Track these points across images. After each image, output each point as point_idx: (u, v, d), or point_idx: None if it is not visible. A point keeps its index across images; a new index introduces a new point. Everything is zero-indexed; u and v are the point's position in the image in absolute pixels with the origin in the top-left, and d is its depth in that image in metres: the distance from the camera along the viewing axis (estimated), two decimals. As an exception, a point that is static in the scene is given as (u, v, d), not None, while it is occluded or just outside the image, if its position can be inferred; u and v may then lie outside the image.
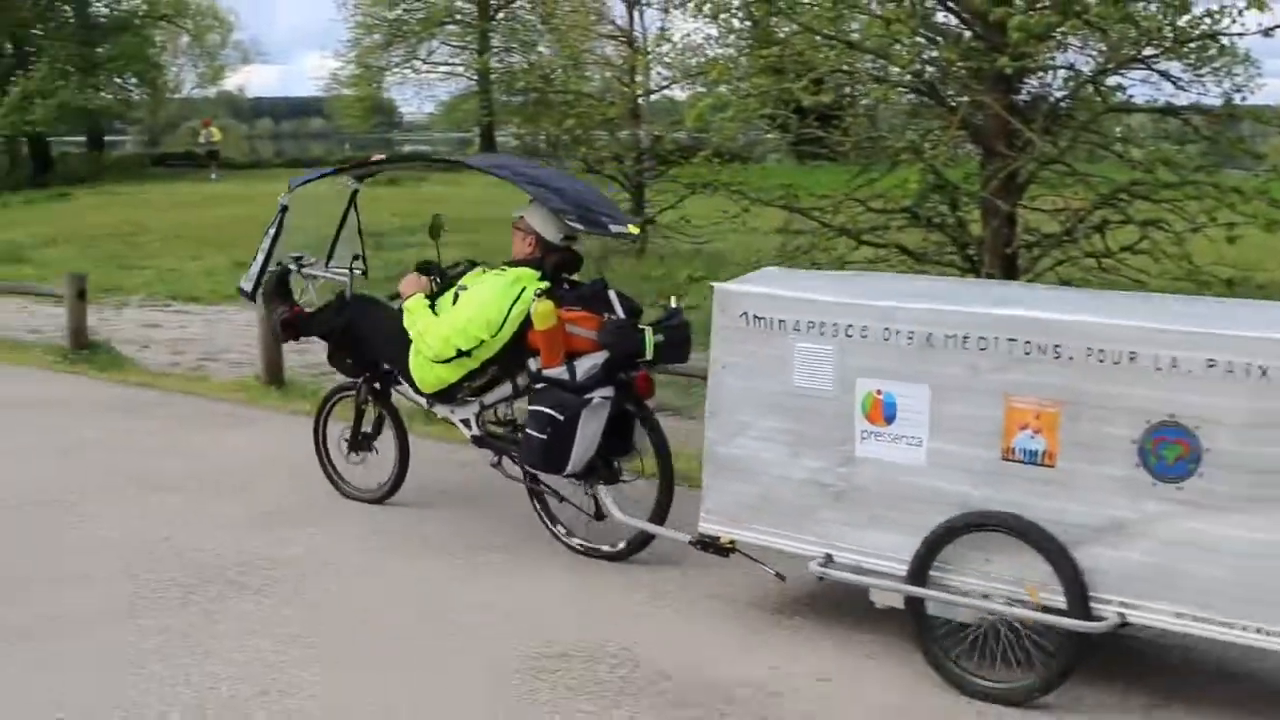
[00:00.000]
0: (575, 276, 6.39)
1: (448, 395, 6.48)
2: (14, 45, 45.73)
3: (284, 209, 7.23)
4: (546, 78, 23.68)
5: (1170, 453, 4.35)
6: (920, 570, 4.80)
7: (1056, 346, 4.53)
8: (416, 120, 69.91)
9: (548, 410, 5.88)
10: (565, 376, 5.94)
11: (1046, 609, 4.54)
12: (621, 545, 6.11)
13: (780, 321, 5.18)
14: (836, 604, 5.40)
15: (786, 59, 9.88)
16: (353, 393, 7.13)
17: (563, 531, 6.29)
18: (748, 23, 12.40)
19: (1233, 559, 4.24)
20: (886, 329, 4.90)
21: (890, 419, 4.92)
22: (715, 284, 5.47)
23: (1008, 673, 4.64)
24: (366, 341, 6.83)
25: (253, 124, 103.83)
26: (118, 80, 47.93)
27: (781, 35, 11.13)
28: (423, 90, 50.46)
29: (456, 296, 6.29)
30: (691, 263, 13.08)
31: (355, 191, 7.26)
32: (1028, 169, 8.98)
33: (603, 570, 5.99)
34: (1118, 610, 4.45)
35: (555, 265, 6.25)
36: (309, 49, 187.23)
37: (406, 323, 6.40)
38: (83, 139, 53.18)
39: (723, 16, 11.57)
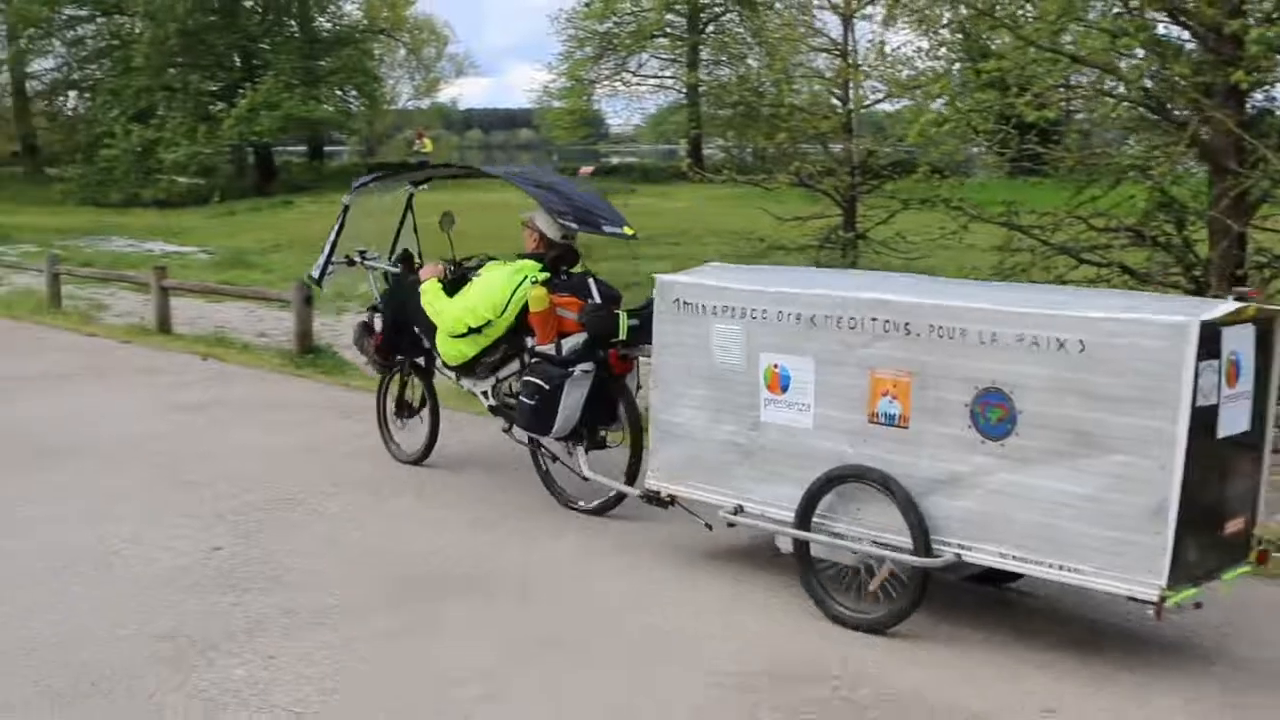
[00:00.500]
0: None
1: (469, 369, 7.63)
2: (242, 59, 47.62)
3: (345, 208, 8.63)
4: (756, 90, 23.68)
5: (994, 414, 5.08)
6: (804, 517, 5.62)
7: (907, 325, 5.30)
8: (623, 132, 70.61)
9: (536, 380, 6.93)
10: (553, 352, 6.98)
11: (898, 549, 5.30)
12: (596, 503, 7.07)
13: (702, 306, 6.07)
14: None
15: (1008, 73, 9.73)
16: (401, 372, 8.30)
17: (559, 490, 7.29)
18: (958, 35, 12.23)
19: (1041, 506, 4.96)
20: (780, 311, 5.74)
21: (785, 388, 5.76)
22: (657, 275, 6.33)
23: (872, 605, 5.43)
24: (410, 321, 7.83)
25: (463, 135, 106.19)
26: (338, 92, 49.49)
27: (993, 47, 10.97)
28: (632, 103, 50.93)
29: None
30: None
31: (411, 195, 8.42)
32: (1260, 187, 8.67)
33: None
34: (955, 551, 5.20)
35: (555, 259, 7.29)
36: (519, 61, 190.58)
37: (424, 303, 7.56)
38: (304, 149, 55.10)
39: (933, 30, 11.48)
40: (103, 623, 5.45)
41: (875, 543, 5.41)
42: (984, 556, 5.16)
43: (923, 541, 5.20)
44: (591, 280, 7.15)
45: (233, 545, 6.49)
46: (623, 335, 6.87)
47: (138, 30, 46.40)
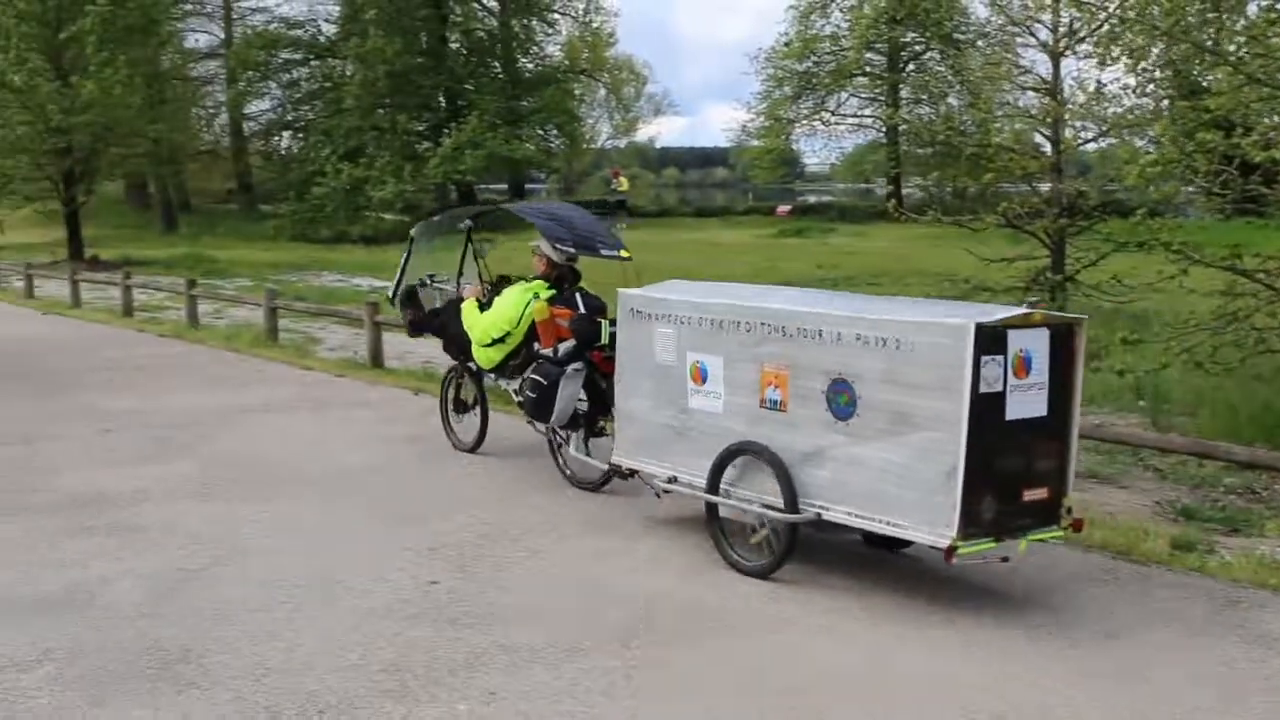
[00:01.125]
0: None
1: (500, 370, 9.24)
2: (448, 100, 48.87)
3: (412, 239, 10.59)
4: (958, 129, 23.41)
5: (841, 399, 6.37)
6: (712, 484, 7.04)
7: (783, 328, 6.68)
8: (818, 170, 70.35)
9: (537, 377, 8.57)
10: (551, 354, 8.61)
11: (774, 509, 6.63)
12: (593, 481, 8.54)
13: (649, 314, 7.57)
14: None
15: (1230, 112, 9.43)
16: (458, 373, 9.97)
17: (567, 471, 8.83)
18: (1168, 72, 11.91)
19: (873, 474, 6.20)
20: (700, 318, 7.22)
21: (705, 380, 7.22)
22: (619, 289, 7.82)
23: (757, 554, 6.79)
24: (455, 335, 9.52)
25: (659, 173, 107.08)
26: (540, 131, 50.36)
27: (1206, 84, 10.64)
28: (831, 142, 50.74)
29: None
30: (1113, 323, 12.63)
31: (470, 228, 9.95)
32: None
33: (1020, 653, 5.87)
34: (817, 510, 6.48)
35: (558, 277, 8.85)
36: (715, 100, 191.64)
37: (463, 318, 9.27)
38: (504, 186, 56.17)
39: (1143, 66, 11.19)
40: (327, 652, 5.60)
41: (760, 504, 6.74)
42: (838, 515, 6.43)
43: (791, 502, 6.53)
44: (579, 295, 8.77)
45: (449, 579, 6.62)
46: (604, 340, 8.44)
47: (349, 73, 47.97)
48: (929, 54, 47.08)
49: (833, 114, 48.58)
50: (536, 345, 8.72)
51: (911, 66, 47.61)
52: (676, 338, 7.35)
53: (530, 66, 51.50)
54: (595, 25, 52.54)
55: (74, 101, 33.95)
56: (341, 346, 16.98)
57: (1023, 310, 6.33)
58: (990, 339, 5.90)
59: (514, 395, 9.17)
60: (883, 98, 47.60)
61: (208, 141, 59.58)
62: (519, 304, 8.78)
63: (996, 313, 6.25)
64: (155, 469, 9.16)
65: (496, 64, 50.65)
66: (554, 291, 8.72)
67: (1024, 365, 6.07)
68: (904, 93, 47.21)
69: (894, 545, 6.90)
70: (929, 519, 5.96)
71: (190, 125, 52.90)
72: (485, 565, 6.86)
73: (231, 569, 6.80)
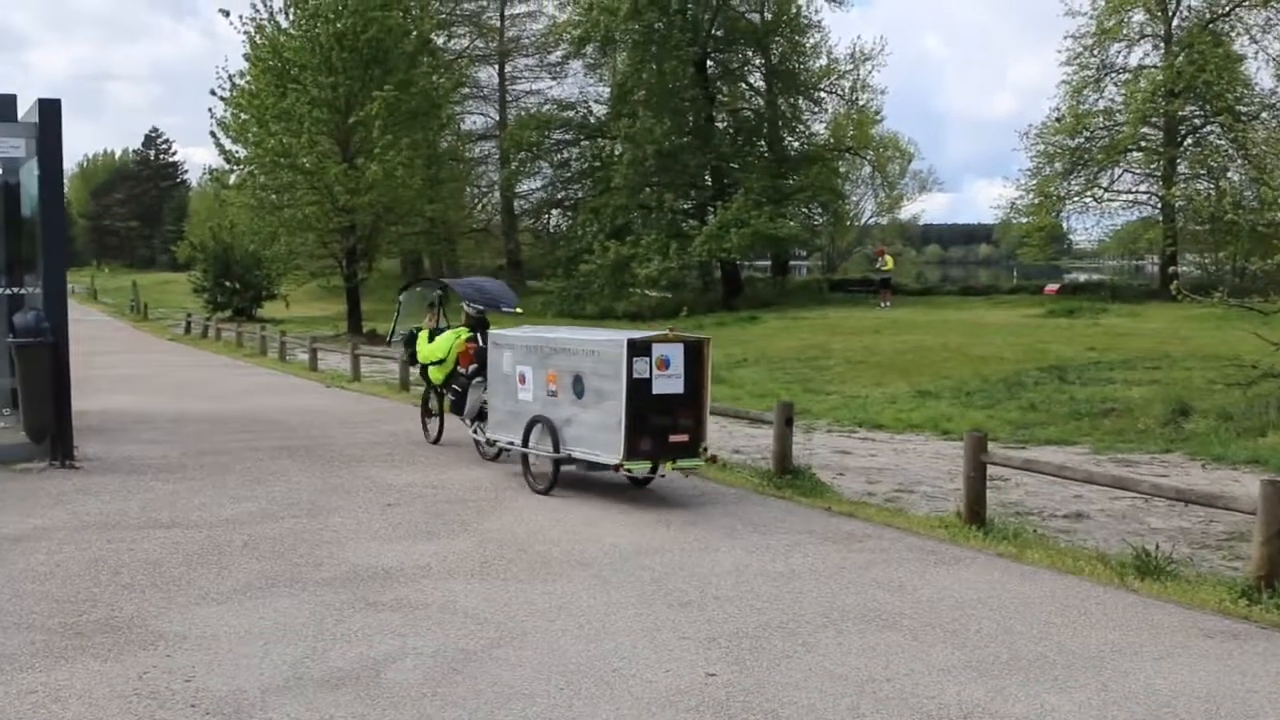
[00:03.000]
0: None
1: (445, 385, 14.36)
2: (713, 178, 49.37)
3: (399, 302, 17.23)
4: (1240, 204, 22.41)
5: (579, 387, 11.08)
6: (525, 443, 11.86)
7: (555, 349, 11.56)
8: (1084, 248, 68.29)
9: (456, 387, 14.04)
10: (465, 373, 13.94)
11: (549, 453, 11.50)
12: (492, 455, 13.46)
13: (501, 345, 12.49)
14: None
15: None
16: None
17: (483, 451, 13.61)
18: None
19: (590, 427, 10.97)
20: (521, 345, 12.08)
21: (525, 382, 11.91)
22: (492, 331, 13.02)
23: (543, 481, 11.59)
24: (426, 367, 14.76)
25: (921, 250, 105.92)
26: (804, 210, 50.31)
27: None
28: (1103, 219, 49.15)
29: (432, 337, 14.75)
30: None
31: (438, 294, 15.97)
32: None
33: None
34: (568, 453, 11.18)
35: (475, 324, 14.18)
36: (978, 176, 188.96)
37: (416, 345, 14.93)
38: (767, 264, 56.29)
39: None
40: (608, 744, 5.55)
41: (545, 452, 11.57)
42: (578, 453, 11.17)
43: (556, 447, 11.31)
44: (483, 336, 13.61)
45: (727, 672, 6.47)
46: None
47: (618, 153, 48.96)
48: (1209, 127, 45.29)
49: (1105, 190, 47.05)
50: (458, 368, 14.10)
51: (1190, 140, 45.84)
52: (513, 358, 12.31)
53: (796, 145, 51.54)
54: (862, 103, 52.34)
55: (359, 182, 35.61)
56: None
57: (664, 332, 11.53)
58: (640, 348, 10.81)
59: (450, 399, 14.36)
60: (1158, 173, 45.94)
61: (480, 219, 61.68)
62: (449, 341, 14.26)
63: (649, 335, 11.19)
64: (435, 545, 9.33)
65: (762, 142, 50.92)
66: (470, 333, 14.14)
67: (664, 363, 10.88)
68: (1181, 167, 45.45)
69: (641, 484, 11.79)
70: (612, 450, 10.78)
71: (464, 204, 54.90)
72: (763, 660, 6.69)
73: (510, 651, 6.80)
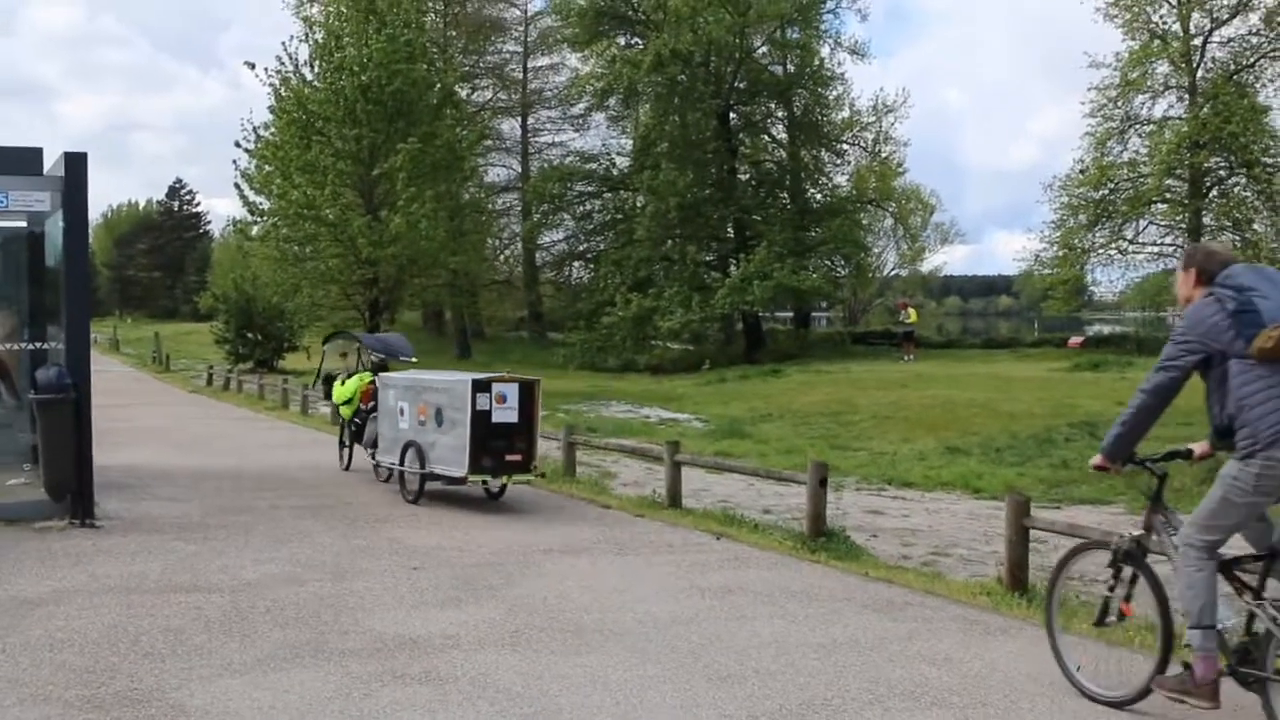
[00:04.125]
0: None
1: (356, 417, 17.29)
2: (736, 231, 49.30)
3: (324, 351, 21.71)
4: (1266, 255, 22.17)
5: (440, 417, 14.09)
6: (400, 461, 14.76)
7: (424, 386, 14.81)
8: (1104, 299, 67.85)
9: (358, 420, 17.25)
10: (365, 409, 16.97)
11: (419, 471, 14.57)
12: (385, 478, 16.05)
13: (387, 385, 15.73)
14: None
15: None
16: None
17: (380, 475, 16.08)
18: None
19: (447, 448, 13.96)
20: (399, 385, 15.41)
21: (402, 413, 14.94)
22: (380, 374, 16.46)
23: (415, 492, 14.53)
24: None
25: (941, 301, 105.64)
26: (826, 262, 50.16)
27: None
28: (1128, 272, 48.79)
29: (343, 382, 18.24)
30: None
31: (357, 345, 19.43)
32: None
33: None
34: (431, 468, 14.21)
35: (377, 367, 17.27)
36: (998, 227, 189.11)
37: (332, 389, 18.58)
38: (789, 316, 56.10)
39: None
40: (651, 835, 5.28)
41: (416, 470, 14.39)
42: (439, 469, 13.95)
43: (423, 464, 14.32)
44: (377, 378, 16.46)
45: (772, 754, 6.20)
46: None
47: (640, 205, 48.98)
48: (1234, 179, 45.04)
49: (1130, 242, 46.74)
50: (362, 405, 17.12)
51: (1215, 192, 45.56)
52: (395, 395, 15.30)
53: (818, 197, 51.53)
54: (884, 155, 52.31)
55: (382, 234, 35.57)
56: (636, 482, 16.91)
57: (502, 374, 14.63)
58: (482, 386, 13.62)
59: (352, 431, 17.59)
60: (1184, 225, 45.63)
61: (502, 271, 61.69)
62: (356, 382, 17.41)
63: (490, 376, 14.23)
64: (463, 612, 9.05)
65: (785, 194, 50.92)
66: (372, 377, 16.93)
67: (502, 399, 13.63)
68: (1207, 219, 45.15)
69: (497, 497, 14.46)
70: (460, 465, 13.59)
71: (487, 256, 54.88)
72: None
73: (544, 731, 6.55)
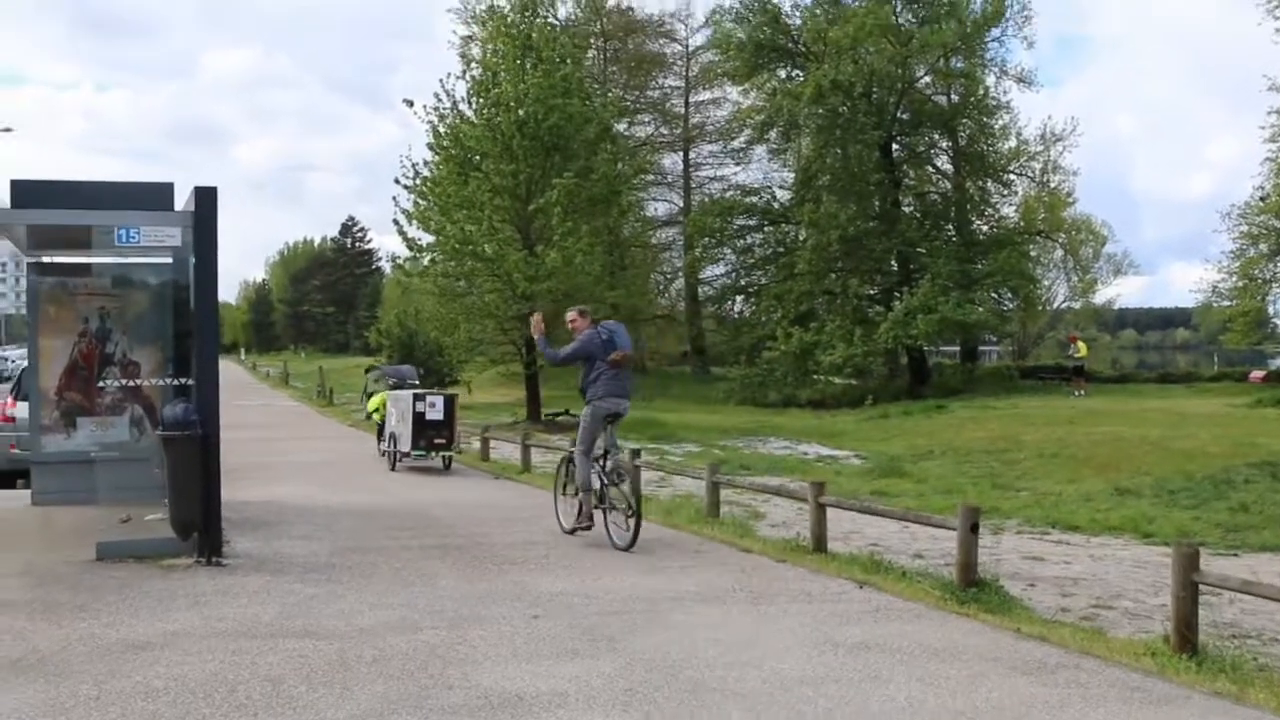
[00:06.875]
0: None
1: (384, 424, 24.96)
2: (899, 264, 48.26)
3: (369, 379, 33.25)
4: None
5: (403, 417, 23.56)
6: (390, 444, 23.75)
7: (399, 399, 23.41)
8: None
9: (380, 423, 25.24)
10: (383, 415, 24.96)
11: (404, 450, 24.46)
12: (404, 466, 23.60)
13: (395, 397, 23.77)
14: None
15: None
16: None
17: (394, 465, 23.76)
18: None
19: (404, 437, 23.68)
20: (393, 398, 23.93)
21: (392, 416, 24.01)
22: (391, 393, 24.50)
23: (403, 467, 23.81)
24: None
25: (1116, 335, 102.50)
26: (993, 295, 48.80)
27: None
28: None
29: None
30: None
31: (385, 375, 28.24)
32: None
33: None
34: (398, 449, 23.69)
35: (394, 387, 24.70)
36: (1175, 258, 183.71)
37: (367, 403, 28.16)
38: (955, 350, 54.77)
39: None
40: None
41: (393, 449, 23.87)
42: (403, 449, 23.12)
43: (396, 445, 23.47)
44: (389, 395, 24.33)
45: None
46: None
47: (802, 238, 48.28)
48: None
49: (1317, 271, 44.54)
50: (381, 414, 24.79)
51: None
52: (391, 405, 23.61)
53: (984, 228, 50.24)
54: (1053, 185, 50.80)
55: (538, 269, 35.46)
56: (784, 523, 16.26)
57: (433, 389, 24.47)
58: (420, 398, 22.26)
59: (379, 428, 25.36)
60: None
61: (664, 305, 61.47)
62: (381, 398, 24.79)
63: (426, 391, 23.14)
64: (576, 666, 8.48)
65: (950, 226, 49.76)
66: (388, 394, 24.45)
67: (432, 405, 22.26)
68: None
69: (446, 468, 22.87)
70: (408, 445, 22.30)
71: (648, 290, 54.69)
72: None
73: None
